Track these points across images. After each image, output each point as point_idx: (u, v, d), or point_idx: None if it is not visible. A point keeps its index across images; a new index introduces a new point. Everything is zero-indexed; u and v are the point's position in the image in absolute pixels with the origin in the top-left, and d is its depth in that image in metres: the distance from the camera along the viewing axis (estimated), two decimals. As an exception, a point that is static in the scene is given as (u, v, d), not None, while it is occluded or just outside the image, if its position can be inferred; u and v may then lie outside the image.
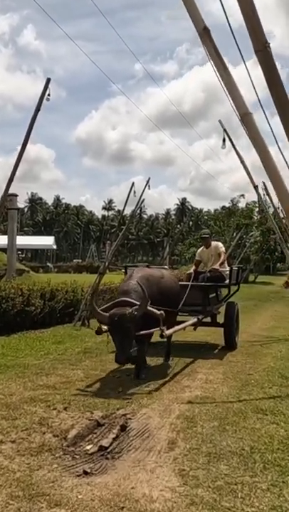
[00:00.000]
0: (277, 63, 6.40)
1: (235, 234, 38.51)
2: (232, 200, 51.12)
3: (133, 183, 11.84)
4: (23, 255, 49.01)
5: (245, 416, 5.27)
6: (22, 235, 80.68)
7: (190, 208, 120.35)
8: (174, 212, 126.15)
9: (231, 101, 6.40)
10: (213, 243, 10.39)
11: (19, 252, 47.81)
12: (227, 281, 9.92)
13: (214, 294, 9.85)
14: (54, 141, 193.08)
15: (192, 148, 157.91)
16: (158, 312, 6.63)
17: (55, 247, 55.06)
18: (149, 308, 6.60)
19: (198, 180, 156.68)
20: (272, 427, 4.92)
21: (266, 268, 54.26)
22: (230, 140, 12.82)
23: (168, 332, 7.04)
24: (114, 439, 4.58)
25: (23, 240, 52.19)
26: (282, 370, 7.54)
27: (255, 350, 9.43)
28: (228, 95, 6.36)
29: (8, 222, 18.48)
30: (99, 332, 6.98)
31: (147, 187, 12.30)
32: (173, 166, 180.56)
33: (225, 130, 12.46)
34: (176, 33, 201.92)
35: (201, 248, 10.61)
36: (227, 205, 54.92)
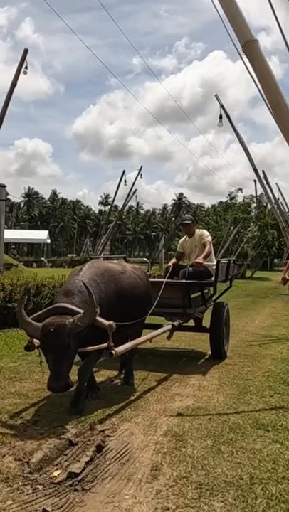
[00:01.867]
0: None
1: (232, 228, 37.79)
2: (229, 194, 50.23)
3: (124, 172, 11.12)
4: (15, 249, 48.11)
5: (243, 433, 4.52)
6: (18, 229, 79.98)
7: (187, 203, 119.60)
8: (170, 207, 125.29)
9: (233, 32, 5.81)
10: (198, 231, 8.47)
11: (13, 247, 47.17)
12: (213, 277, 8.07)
13: (198, 294, 8.01)
14: (51, 136, 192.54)
15: (190, 143, 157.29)
16: (106, 322, 4.98)
17: (48, 241, 54.17)
18: (97, 316, 5.00)
19: (195, 175, 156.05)
20: (275, 448, 4.17)
21: (263, 264, 53.57)
22: (228, 116, 11.94)
23: (120, 349, 5.17)
24: (87, 462, 3.83)
25: (16, 234, 51.47)
26: (283, 374, 6.80)
27: (254, 351, 8.69)
28: (231, 23, 5.67)
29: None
30: (29, 348, 5.03)
31: (140, 176, 11.46)
32: (170, 162, 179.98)
33: (222, 106, 11.64)
34: (175, 28, 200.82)
35: (184, 238, 8.73)
36: (224, 200, 54.12)
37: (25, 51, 9.49)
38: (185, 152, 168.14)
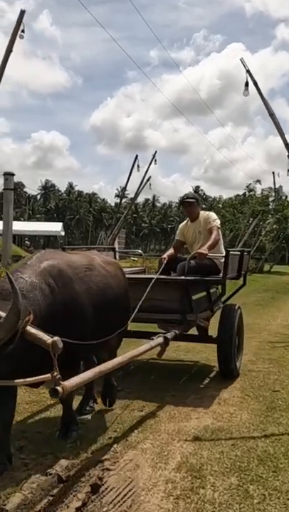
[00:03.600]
0: None
1: (250, 221, 36.67)
2: (247, 186, 49.05)
3: (136, 156, 10.20)
4: (30, 242, 47.47)
5: (276, 466, 3.65)
6: (34, 221, 79.50)
7: (204, 196, 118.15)
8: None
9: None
10: (203, 214, 6.52)
11: (26, 239, 46.50)
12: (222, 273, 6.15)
13: (201, 294, 6.11)
14: (68, 129, 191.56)
15: (208, 136, 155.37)
16: (46, 339, 3.19)
17: (63, 233, 53.32)
18: (31, 329, 3.25)
19: (212, 169, 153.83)
20: None
21: (281, 257, 52.35)
22: (255, 83, 10.74)
23: (71, 384, 3.26)
24: (78, 509, 3.00)
25: (29, 226, 50.74)
26: (316, 384, 5.91)
27: (279, 354, 7.79)
28: None
29: (3, 204, 17.01)
30: None
31: (154, 162, 10.57)
32: (187, 155, 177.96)
33: (248, 71, 10.41)
34: (193, 20, 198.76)
35: (185, 222, 6.78)
36: (241, 193, 52.91)
37: (22, 13, 8.65)
38: (202, 145, 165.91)
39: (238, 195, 53.58)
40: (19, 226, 40.13)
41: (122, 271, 5.05)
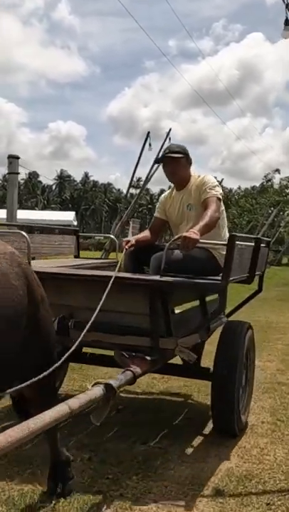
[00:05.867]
0: None
1: (270, 211, 35.24)
2: (265, 176, 47.67)
3: (148, 133, 9.01)
4: (40, 232, 46.46)
5: None
6: (48, 211, 78.72)
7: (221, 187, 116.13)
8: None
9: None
10: (195, 178, 4.10)
11: (37, 230, 45.54)
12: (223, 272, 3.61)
13: (191, 304, 4.23)
14: (85, 119, 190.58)
15: (225, 126, 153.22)
16: None
17: (75, 223, 52.21)
18: None
19: (230, 160, 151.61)
20: None
21: (300, 250, 50.92)
22: None
23: None
24: None
25: (41, 215, 49.72)
26: None
27: (312, 361, 6.63)
28: None
29: (7, 188, 15.98)
30: None
31: (168, 139, 9.40)
32: (205, 146, 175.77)
33: (288, 6, 8.86)
34: (212, 10, 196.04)
35: (168, 192, 4.42)
36: (258, 184, 51.54)
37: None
38: (219, 136, 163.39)
39: (254, 186, 52.30)
40: (30, 215, 39.30)
41: (25, 269, 2.57)
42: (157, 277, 3.38)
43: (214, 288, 3.51)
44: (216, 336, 4.05)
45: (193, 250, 3.50)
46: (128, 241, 3.96)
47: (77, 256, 5.18)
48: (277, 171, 49.16)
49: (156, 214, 4.39)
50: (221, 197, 3.94)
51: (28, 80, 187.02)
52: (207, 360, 4.26)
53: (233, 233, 3.46)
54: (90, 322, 2.84)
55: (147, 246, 4.05)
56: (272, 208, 36.45)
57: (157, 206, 4.43)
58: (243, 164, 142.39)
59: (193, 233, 3.41)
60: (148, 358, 3.23)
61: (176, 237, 3.56)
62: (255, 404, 4.68)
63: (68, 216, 50.88)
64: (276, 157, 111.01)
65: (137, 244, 3.98)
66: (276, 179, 46.28)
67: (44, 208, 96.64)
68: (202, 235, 3.47)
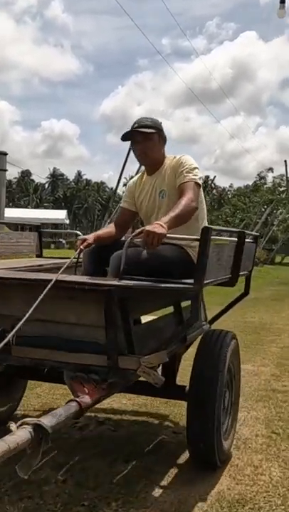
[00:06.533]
0: None
1: (262, 210, 34.97)
2: (258, 174, 47.40)
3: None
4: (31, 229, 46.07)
5: None
6: (41, 209, 78.24)
7: (213, 186, 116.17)
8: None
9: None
10: (170, 159, 3.36)
11: (28, 227, 45.12)
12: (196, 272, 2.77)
13: (156, 312, 3.45)
14: (79, 117, 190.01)
15: (218, 125, 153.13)
16: None
17: (67, 221, 51.79)
18: None
19: (223, 159, 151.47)
20: None
21: (293, 248, 50.67)
22: None
23: None
24: None
25: (33, 214, 49.34)
26: None
27: (308, 365, 6.31)
28: None
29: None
30: None
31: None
32: (198, 144, 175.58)
33: None
34: (206, 8, 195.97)
35: (138, 177, 3.60)
36: (251, 183, 51.25)
37: None
38: (213, 135, 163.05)
39: (247, 185, 51.95)
40: (22, 213, 39.00)
41: None
42: (114, 281, 2.63)
43: (186, 292, 2.79)
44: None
45: (163, 248, 2.80)
46: (84, 239, 3.21)
47: (39, 255, 4.56)
48: (271, 169, 49.01)
49: (122, 204, 3.61)
50: (200, 182, 3.21)
51: (21, 78, 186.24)
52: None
53: (208, 225, 2.75)
54: (14, 331, 2.34)
55: (111, 243, 3.24)
56: (265, 207, 36.19)
57: (124, 194, 3.65)
58: (236, 163, 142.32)
59: (159, 226, 2.65)
60: (103, 381, 2.58)
61: (136, 231, 2.72)
62: (249, 415, 4.36)
63: (60, 214, 50.66)
64: (269, 156, 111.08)
65: (97, 241, 3.23)
66: (269, 178, 46.04)
67: (37, 206, 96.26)
68: (172, 228, 2.78)
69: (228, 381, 3.41)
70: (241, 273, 3.50)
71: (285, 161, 49.36)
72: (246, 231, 3.38)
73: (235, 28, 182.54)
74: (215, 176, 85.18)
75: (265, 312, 11.14)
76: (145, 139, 3.26)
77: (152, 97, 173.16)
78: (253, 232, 4.37)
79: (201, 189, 3.27)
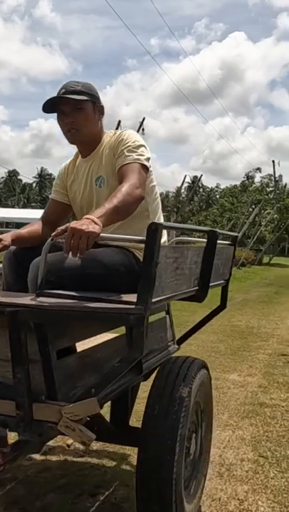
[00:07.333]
0: None
1: (251, 209, 34.70)
2: (246, 174, 47.18)
3: (144, 118, 8.30)
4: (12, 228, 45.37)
5: None
6: (27, 209, 77.48)
7: (201, 186, 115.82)
8: (184, 191, 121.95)
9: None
10: (110, 136, 2.58)
11: (10, 226, 44.37)
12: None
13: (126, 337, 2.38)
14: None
15: (206, 126, 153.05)
16: None
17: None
18: None
19: (211, 159, 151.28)
20: None
21: (282, 249, 50.51)
22: None
23: None
24: None
25: (19, 213, 48.65)
26: None
27: (297, 374, 5.92)
28: None
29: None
30: None
31: (141, 130, 8.69)
32: (186, 145, 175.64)
33: None
34: (194, 8, 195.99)
35: (70, 161, 2.77)
36: (239, 183, 51.03)
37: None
38: (201, 135, 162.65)
39: (235, 185, 51.70)
40: (8, 213, 38.38)
41: None
42: (24, 299, 1.89)
43: (122, 317, 1.78)
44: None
45: (102, 251, 2.21)
46: None
47: None
48: (258, 169, 48.86)
49: (52, 195, 2.81)
50: (147, 164, 2.41)
51: (9, 78, 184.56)
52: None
53: (157, 221, 1.89)
54: None
55: (38, 246, 2.19)
56: (253, 206, 35.94)
57: (54, 183, 2.84)
58: (224, 163, 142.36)
59: (90, 222, 1.89)
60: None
61: (58, 229, 1.89)
62: (234, 435, 3.94)
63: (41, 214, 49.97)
64: (258, 156, 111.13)
65: (16, 243, 2.49)
66: (257, 177, 45.84)
67: (24, 206, 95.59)
68: (109, 224, 2.10)
69: (194, 424, 2.63)
70: (213, 283, 2.66)
71: (273, 161, 49.34)
72: (219, 230, 2.64)
73: (224, 29, 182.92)
74: (202, 175, 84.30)
75: (252, 315, 10.77)
76: (75, 110, 2.47)
77: (141, 97, 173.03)
78: (230, 233, 3.57)
79: (153, 174, 2.57)
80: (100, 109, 2.59)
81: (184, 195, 69.68)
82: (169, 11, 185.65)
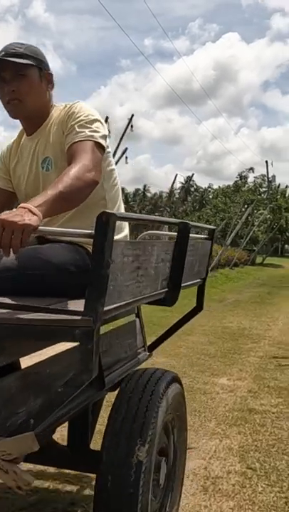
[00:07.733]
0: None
1: (244, 209, 34.55)
2: (239, 174, 47.09)
3: (132, 116, 8.15)
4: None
5: None
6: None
7: (195, 186, 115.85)
8: (178, 191, 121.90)
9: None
10: (59, 109, 2.18)
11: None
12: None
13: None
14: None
15: (200, 127, 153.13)
16: None
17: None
18: None
19: (205, 160, 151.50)
20: None
21: (274, 249, 50.46)
22: None
23: None
24: None
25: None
26: None
27: (289, 378, 5.70)
28: None
29: None
30: None
31: (130, 127, 8.50)
32: (180, 145, 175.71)
33: None
34: (188, 9, 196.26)
35: (14, 140, 2.34)
36: (232, 182, 50.93)
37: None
38: (195, 136, 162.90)
39: (228, 186, 51.61)
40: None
41: None
42: None
43: (64, 332, 1.43)
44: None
45: (44, 249, 1.91)
46: None
47: None
48: (252, 169, 48.77)
49: None
50: (104, 143, 2.03)
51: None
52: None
53: (110, 211, 1.48)
54: None
55: None
56: (246, 206, 35.81)
57: None
58: (218, 164, 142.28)
59: (26, 212, 1.55)
60: None
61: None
62: (221, 444, 3.72)
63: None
64: (251, 157, 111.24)
65: None
66: (250, 178, 45.76)
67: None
68: (53, 214, 1.75)
69: (164, 447, 2.26)
70: (187, 283, 2.31)
71: (266, 162, 49.28)
72: (191, 222, 2.19)
73: (218, 30, 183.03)
74: (193, 174, 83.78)
75: (244, 316, 10.56)
76: (16, 76, 2.04)
77: (135, 98, 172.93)
78: (207, 225, 3.17)
79: (111, 155, 2.21)
80: (48, 78, 2.18)
81: (177, 196, 69.59)
82: (163, 12, 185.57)
